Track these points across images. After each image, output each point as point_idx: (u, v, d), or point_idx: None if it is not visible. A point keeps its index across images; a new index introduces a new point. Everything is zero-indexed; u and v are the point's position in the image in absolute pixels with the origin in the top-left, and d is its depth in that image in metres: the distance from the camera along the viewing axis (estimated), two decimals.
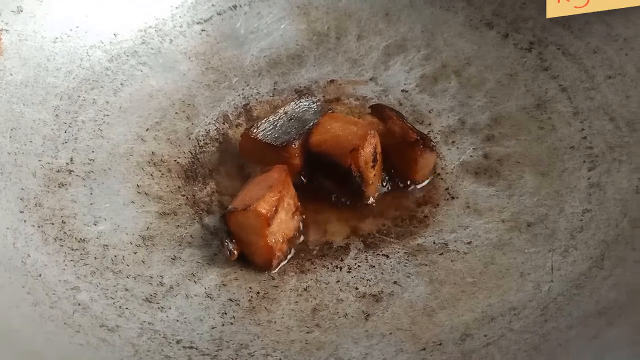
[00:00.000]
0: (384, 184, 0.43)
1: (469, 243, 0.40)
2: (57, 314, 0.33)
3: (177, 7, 0.51)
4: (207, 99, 0.48)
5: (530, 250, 0.39)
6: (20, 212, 0.38)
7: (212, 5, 0.52)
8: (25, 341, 0.30)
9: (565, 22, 0.48)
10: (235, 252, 0.38)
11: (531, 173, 0.43)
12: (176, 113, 0.47)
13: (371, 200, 0.42)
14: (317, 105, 0.45)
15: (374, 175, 0.42)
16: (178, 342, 0.35)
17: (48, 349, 0.30)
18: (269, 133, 0.43)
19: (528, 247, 0.39)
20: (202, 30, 0.51)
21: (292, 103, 0.44)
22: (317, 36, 0.52)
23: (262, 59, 0.50)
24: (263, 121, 0.43)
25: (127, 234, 0.40)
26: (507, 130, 0.46)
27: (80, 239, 0.39)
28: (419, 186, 0.43)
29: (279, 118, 0.43)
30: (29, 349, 0.28)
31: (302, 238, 0.40)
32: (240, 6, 0.52)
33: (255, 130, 0.43)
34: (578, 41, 0.48)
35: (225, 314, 0.36)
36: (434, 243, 0.40)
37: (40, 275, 0.35)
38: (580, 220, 0.40)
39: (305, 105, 0.44)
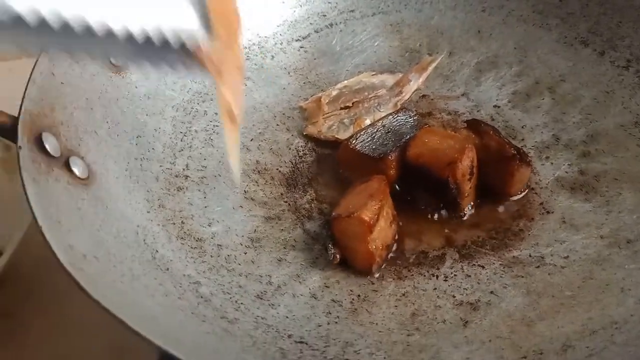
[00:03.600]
0: (478, 197, 0.44)
1: (566, 257, 0.40)
2: (185, 305, 0.37)
3: (278, 26, 0.55)
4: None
5: (630, 267, 0.39)
6: (147, 212, 0.42)
7: (310, 23, 0.55)
8: (163, 328, 0.33)
9: None
10: (338, 256, 0.40)
11: (630, 190, 0.43)
12: (277, 125, 0.50)
13: (466, 212, 0.43)
14: (413, 119, 0.46)
15: (470, 188, 0.43)
16: (289, 336, 0.37)
17: (183, 337, 0.33)
18: (367, 144, 0.45)
19: (628, 264, 0.39)
20: (301, 47, 0.54)
21: (390, 116, 0.46)
22: (410, 52, 0.53)
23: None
24: (362, 132, 0.45)
25: (237, 235, 0.42)
26: (604, 147, 0.46)
27: (198, 238, 0.42)
28: (512, 200, 0.44)
29: (377, 130, 0.45)
30: (168, 335, 0.31)
31: (397, 246, 0.42)
32: (336, 24, 0.55)
33: (354, 142, 0.45)
34: None
35: (330, 313, 0.38)
36: (530, 256, 0.41)
37: (167, 269, 0.39)
38: None
39: (402, 119, 0.46)
